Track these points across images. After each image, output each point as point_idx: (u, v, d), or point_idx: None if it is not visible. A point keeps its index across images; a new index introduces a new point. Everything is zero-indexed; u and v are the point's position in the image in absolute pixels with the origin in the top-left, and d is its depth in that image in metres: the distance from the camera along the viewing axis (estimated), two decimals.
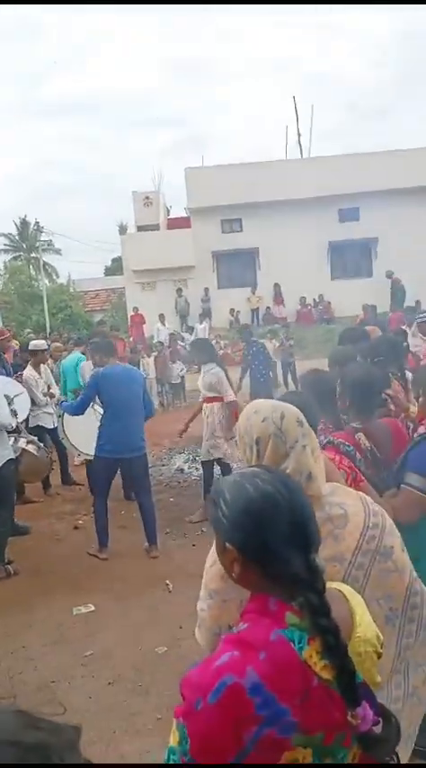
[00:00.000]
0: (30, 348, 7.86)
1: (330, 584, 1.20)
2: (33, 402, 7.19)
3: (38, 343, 8.04)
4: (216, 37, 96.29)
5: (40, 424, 7.36)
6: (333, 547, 1.57)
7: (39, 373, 7.55)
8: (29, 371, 7.46)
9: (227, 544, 1.17)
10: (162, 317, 19.25)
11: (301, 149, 23.86)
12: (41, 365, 7.68)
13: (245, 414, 1.67)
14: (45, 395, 7.43)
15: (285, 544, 1.12)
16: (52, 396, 7.50)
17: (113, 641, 4.03)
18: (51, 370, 8.30)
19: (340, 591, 1.29)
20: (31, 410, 7.23)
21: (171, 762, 1.04)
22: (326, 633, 1.08)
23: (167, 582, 4.86)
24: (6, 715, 0.64)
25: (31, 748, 0.59)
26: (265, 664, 1.03)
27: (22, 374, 7.43)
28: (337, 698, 1.07)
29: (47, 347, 8.51)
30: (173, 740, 1.05)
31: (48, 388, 7.56)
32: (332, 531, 1.59)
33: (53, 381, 7.89)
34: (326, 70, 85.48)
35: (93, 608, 4.53)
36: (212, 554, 1.61)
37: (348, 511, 1.63)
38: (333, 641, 1.08)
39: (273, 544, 1.12)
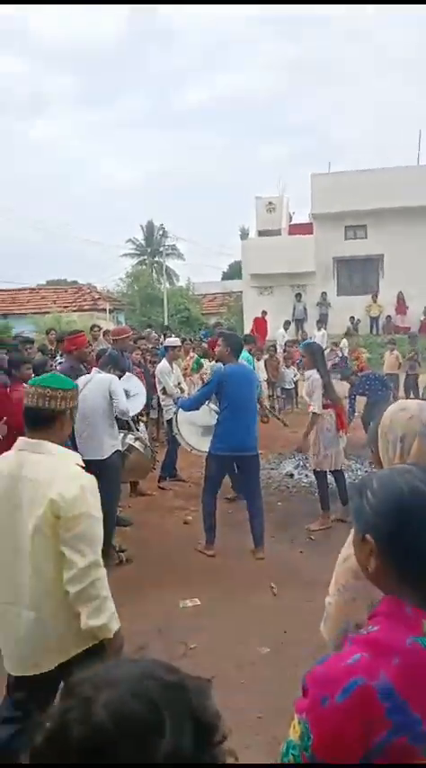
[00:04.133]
0: (165, 345, 8.44)
1: None
2: (165, 392, 7.53)
3: (173, 341, 8.69)
4: (344, 37, 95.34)
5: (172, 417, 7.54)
6: None
7: (172, 368, 7.93)
8: (163, 364, 7.85)
9: (367, 536, 1.13)
10: (286, 324, 19.26)
11: None
12: (175, 361, 8.13)
13: (390, 412, 1.64)
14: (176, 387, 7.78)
15: None
16: (182, 390, 7.83)
17: (217, 637, 4.05)
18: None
19: None
20: (163, 403, 7.58)
21: (289, 756, 1.01)
22: None
23: (272, 585, 4.83)
24: (150, 661, 0.73)
25: (170, 685, 0.66)
26: (399, 669, 0.99)
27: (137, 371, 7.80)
28: None
29: (180, 344, 9.10)
30: (293, 735, 1.02)
31: (178, 383, 7.91)
32: None
33: (182, 378, 8.20)
34: None
35: (198, 602, 4.59)
36: (345, 549, 1.58)
37: None
38: None
39: (418, 543, 1.07)
